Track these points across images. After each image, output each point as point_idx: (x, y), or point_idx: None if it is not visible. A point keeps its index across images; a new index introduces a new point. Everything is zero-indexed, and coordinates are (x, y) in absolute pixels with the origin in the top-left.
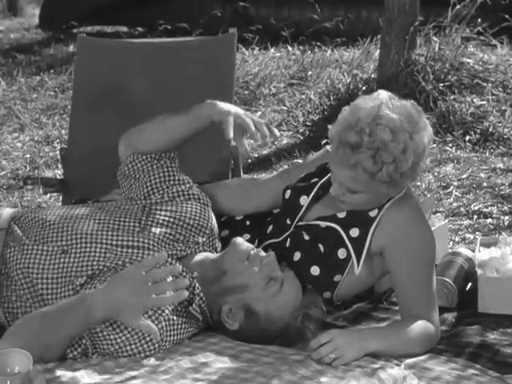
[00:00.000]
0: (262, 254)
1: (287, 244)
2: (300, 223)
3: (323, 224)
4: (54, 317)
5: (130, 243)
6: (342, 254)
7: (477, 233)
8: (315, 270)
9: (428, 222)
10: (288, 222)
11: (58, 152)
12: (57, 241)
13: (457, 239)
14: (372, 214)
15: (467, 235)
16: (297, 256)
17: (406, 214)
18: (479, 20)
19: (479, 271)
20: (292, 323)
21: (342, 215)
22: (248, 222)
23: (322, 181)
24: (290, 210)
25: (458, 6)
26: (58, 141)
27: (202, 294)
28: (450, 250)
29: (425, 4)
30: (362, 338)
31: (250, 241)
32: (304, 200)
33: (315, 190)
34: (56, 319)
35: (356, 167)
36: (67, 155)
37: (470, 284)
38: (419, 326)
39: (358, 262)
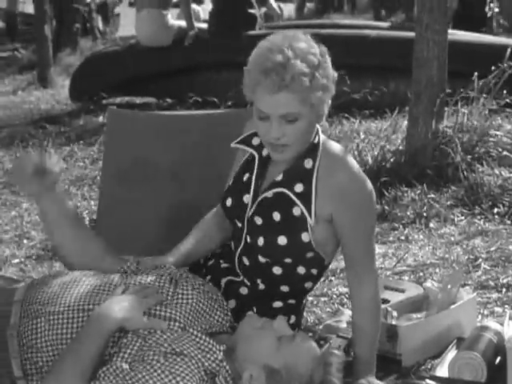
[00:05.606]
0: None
1: (248, 240)
2: (248, 217)
3: (269, 194)
4: (66, 350)
5: (158, 313)
6: (296, 211)
7: (506, 306)
8: (282, 240)
9: (363, 172)
10: (239, 224)
11: (87, 223)
12: (83, 308)
13: (485, 312)
14: (307, 165)
15: (496, 309)
16: (260, 241)
17: (343, 172)
18: (505, 92)
19: (508, 345)
20: (316, 374)
21: (279, 178)
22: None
23: (255, 172)
24: (238, 212)
25: (484, 79)
26: (87, 211)
27: (227, 367)
28: (478, 324)
29: (451, 76)
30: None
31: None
32: (247, 198)
33: (253, 182)
34: (69, 349)
35: (294, 80)
36: (96, 226)
37: (499, 358)
38: (370, 319)
39: (310, 213)
